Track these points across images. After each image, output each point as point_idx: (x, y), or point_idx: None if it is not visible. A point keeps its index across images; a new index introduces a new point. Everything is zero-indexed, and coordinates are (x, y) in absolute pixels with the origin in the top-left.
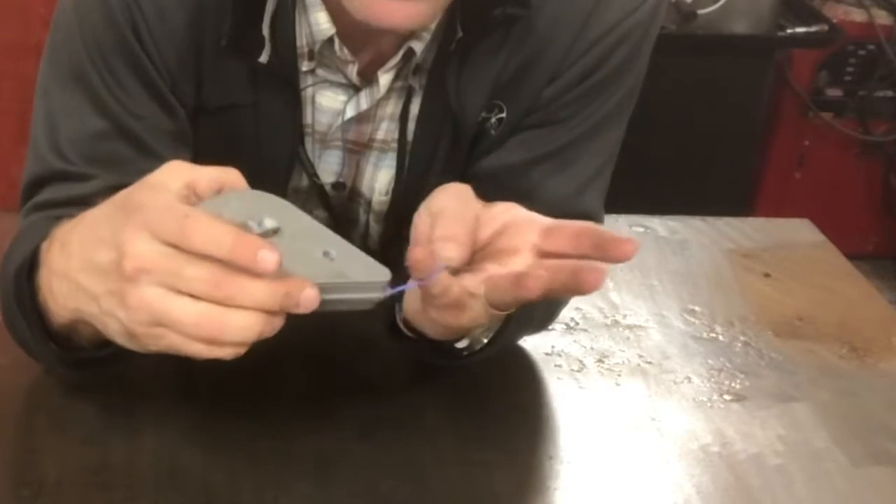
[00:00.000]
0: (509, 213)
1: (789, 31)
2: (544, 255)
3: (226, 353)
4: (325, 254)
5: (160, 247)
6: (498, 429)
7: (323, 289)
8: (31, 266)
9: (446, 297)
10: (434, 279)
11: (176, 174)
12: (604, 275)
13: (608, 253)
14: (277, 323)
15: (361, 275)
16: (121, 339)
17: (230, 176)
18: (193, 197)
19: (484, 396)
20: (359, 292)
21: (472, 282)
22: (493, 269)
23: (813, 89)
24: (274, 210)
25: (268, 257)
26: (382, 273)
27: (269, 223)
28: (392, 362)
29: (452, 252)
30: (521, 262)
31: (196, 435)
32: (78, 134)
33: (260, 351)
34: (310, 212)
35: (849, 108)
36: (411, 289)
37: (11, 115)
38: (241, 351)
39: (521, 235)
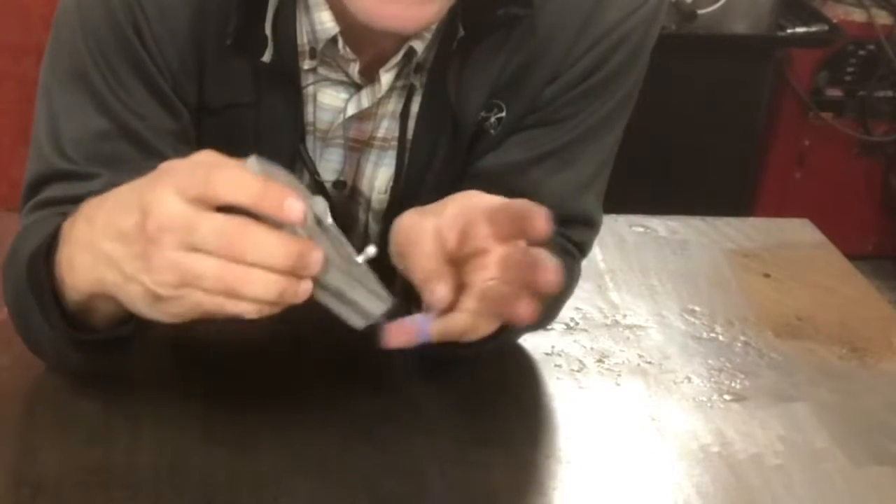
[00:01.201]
0: (458, 211)
1: (789, 31)
2: (503, 239)
3: (248, 308)
4: (350, 255)
5: (183, 205)
6: (498, 429)
7: (340, 275)
8: (48, 248)
9: (457, 335)
10: (428, 331)
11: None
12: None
13: (529, 229)
14: (294, 285)
15: (372, 285)
16: (143, 305)
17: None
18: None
19: (484, 396)
20: (364, 298)
21: (469, 302)
22: (475, 279)
23: (813, 89)
24: (321, 201)
25: (294, 206)
26: (387, 297)
27: (321, 206)
28: (392, 362)
29: (439, 293)
30: (491, 259)
31: (196, 434)
32: (80, 133)
33: (260, 351)
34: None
35: (849, 108)
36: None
37: (11, 115)
38: (265, 310)
39: (478, 234)
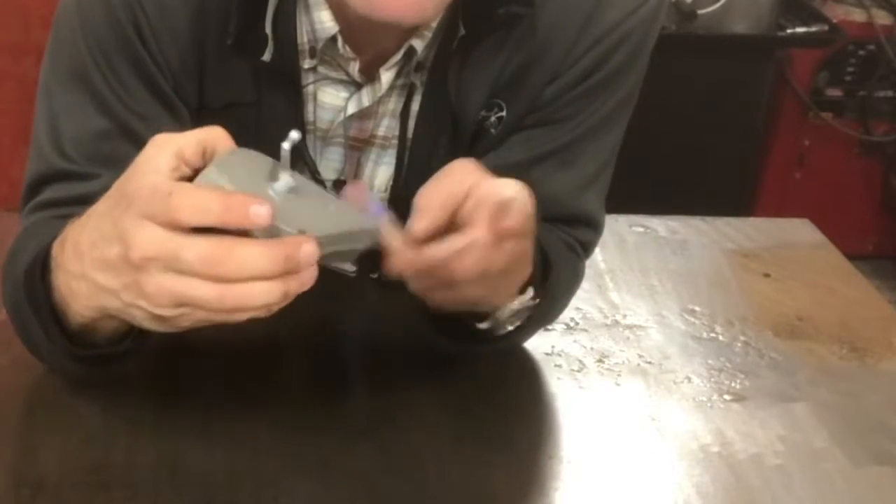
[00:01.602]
0: (491, 188)
1: (789, 31)
2: (500, 233)
3: (259, 314)
4: (326, 207)
5: (160, 232)
6: (498, 429)
7: (333, 241)
8: (43, 266)
9: (408, 267)
10: (374, 213)
11: (162, 149)
12: None
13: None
14: (296, 281)
15: (359, 223)
16: (150, 325)
17: (214, 134)
18: (184, 167)
19: (484, 396)
20: (359, 243)
21: (437, 251)
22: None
23: (813, 89)
24: (276, 169)
25: (260, 211)
26: (373, 221)
27: (286, 179)
28: (392, 362)
29: (419, 223)
30: (469, 234)
31: (196, 435)
32: (80, 133)
33: (260, 351)
34: None
35: (849, 108)
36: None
37: (11, 115)
38: (276, 308)
39: (480, 210)
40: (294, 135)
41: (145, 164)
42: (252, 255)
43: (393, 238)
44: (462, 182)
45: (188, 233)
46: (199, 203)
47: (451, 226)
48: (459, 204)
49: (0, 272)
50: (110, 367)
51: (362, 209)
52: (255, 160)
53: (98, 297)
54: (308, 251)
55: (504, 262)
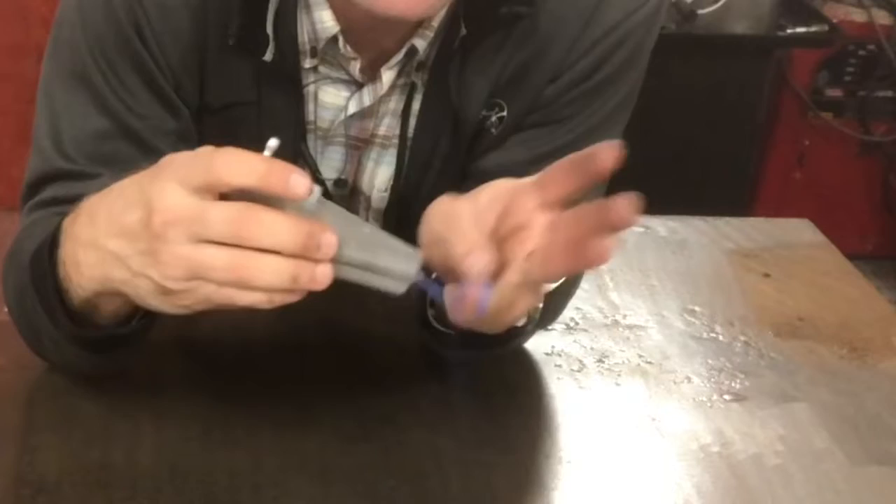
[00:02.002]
0: (498, 193)
1: (789, 31)
2: (551, 206)
3: (260, 298)
4: (361, 225)
5: (187, 197)
6: (498, 429)
7: (361, 246)
8: (52, 243)
9: (504, 300)
10: (487, 300)
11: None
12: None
13: (593, 169)
14: (309, 270)
15: (395, 245)
16: (152, 299)
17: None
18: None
19: (484, 396)
20: (393, 262)
21: (512, 275)
22: (518, 252)
23: (813, 89)
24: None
25: (300, 182)
26: (413, 252)
27: (316, 192)
28: (392, 362)
29: (483, 260)
30: (536, 230)
31: (196, 435)
32: (81, 133)
33: (260, 351)
34: None
35: (849, 108)
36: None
37: (11, 115)
38: (276, 299)
39: (523, 207)
40: (272, 143)
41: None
42: (276, 222)
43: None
44: (464, 214)
45: (216, 199)
46: (243, 161)
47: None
48: (484, 227)
49: (0, 270)
50: (114, 353)
51: (474, 310)
52: None
53: (105, 265)
54: (329, 240)
55: None
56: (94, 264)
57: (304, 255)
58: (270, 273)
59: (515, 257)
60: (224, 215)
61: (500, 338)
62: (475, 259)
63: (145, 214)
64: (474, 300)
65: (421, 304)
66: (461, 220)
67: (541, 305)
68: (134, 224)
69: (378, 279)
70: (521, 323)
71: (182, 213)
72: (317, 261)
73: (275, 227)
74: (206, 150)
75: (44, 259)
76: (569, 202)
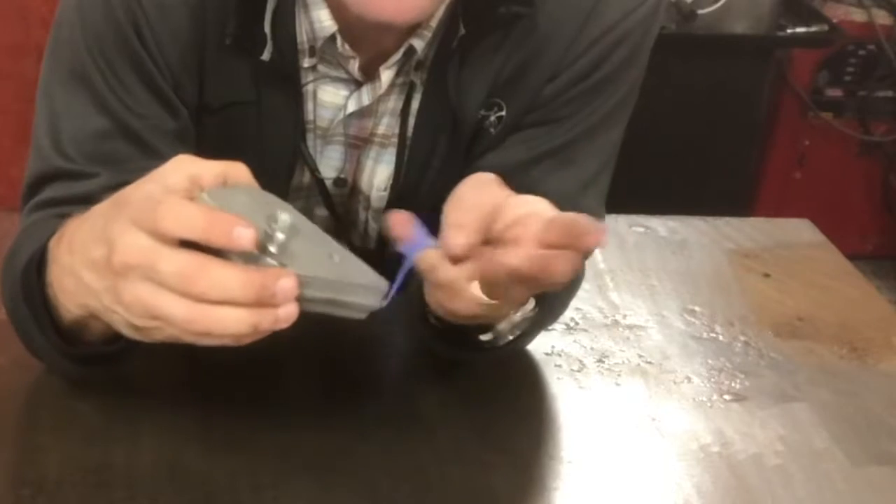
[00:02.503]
0: (527, 207)
1: (789, 31)
2: (546, 246)
3: (226, 342)
4: (330, 256)
5: (146, 240)
6: (498, 429)
7: (323, 286)
8: (40, 261)
9: (434, 276)
10: (418, 252)
11: (179, 168)
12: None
13: (577, 245)
14: (269, 316)
15: (361, 278)
16: (127, 332)
17: (236, 170)
18: (197, 191)
19: (484, 396)
20: (357, 297)
21: (467, 270)
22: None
23: (813, 89)
24: (282, 209)
25: (243, 233)
26: (381, 282)
27: (285, 218)
28: (392, 362)
29: (456, 239)
30: (519, 252)
31: (196, 435)
32: (80, 133)
33: (260, 351)
34: (311, 210)
35: (849, 108)
36: (398, 284)
37: (11, 115)
38: (246, 340)
39: (527, 228)
40: (283, 217)
41: (157, 176)
42: (226, 277)
43: (438, 262)
44: (491, 197)
45: (174, 246)
46: (184, 214)
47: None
48: (491, 221)
49: (0, 269)
50: (105, 367)
51: (406, 239)
52: (256, 196)
53: (83, 294)
54: (286, 286)
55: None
56: (74, 292)
57: (259, 305)
58: (229, 323)
59: (503, 261)
60: (173, 268)
61: (488, 344)
62: (452, 234)
63: (107, 252)
64: (409, 238)
65: (419, 300)
66: (476, 202)
67: (512, 322)
68: (99, 260)
69: (341, 310)
70: (487, 337)
71: (138, 256)
72: (275, 305)
73: (225, 282)
74: (156, 195)
75: (32, 276)
76: None
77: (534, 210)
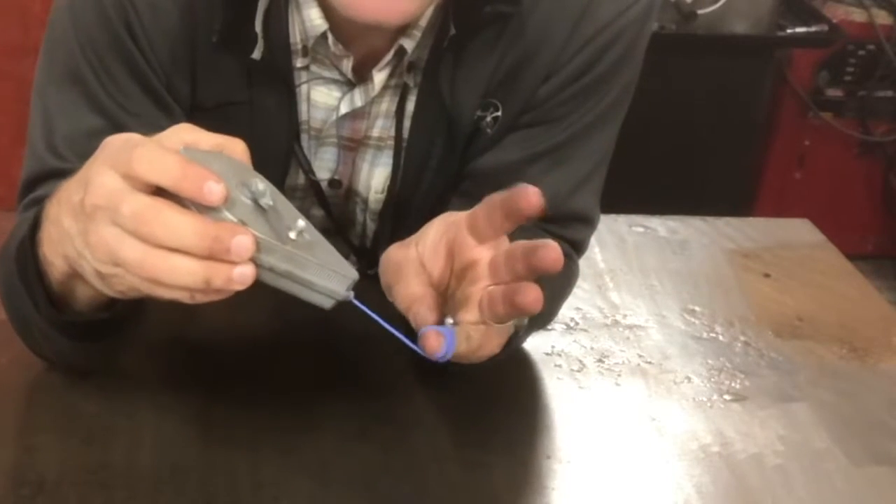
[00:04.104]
0: (439, 233)
1: (789, 31)
2: (491, 242)
3: (179, 295)
4: (300, 234)
5: (117, 182)
6: (497, 428)
7: (284, 257)
8: (33, 226)
9: (473, 339)
10: (452, 343)
11: (177, 133)
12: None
13: (514, 210)
14: (223, 272)
15: (328, 261)
16: (94, 281)
17: (233, 145)
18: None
19: (483, 396)
20: (320, 278)
21: (469, 314)
22: (472, 291)
23: (813, 89)
24: (259, 180)
25: (214, 188)
26: (350, 271)
27: (261, 186)
28: (392, 362)
29: (421, 315)
30: (483, 267)
31: (196, 435)
32: (73, 132)
33: (260, 351)
34: (308, 211)
35: (849, 108)
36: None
37: (11, 115)
38: (198, 297)
39: (466, 246)
40: (300, 223)
41: (153, 138)
42: (180, 223)
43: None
44: (410, 259)
45: (143, 191)
46: (159, 160)
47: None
48: (428, 274)
49: None
50: (99, 342)
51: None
52: (235, 165)
53: (62, 242)
54: (242, 243)
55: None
56: (57, 241)
57: (212, 257)
58: (180, 274)
59: (470, 296)
60: (132, 208)
61: None
62: (414, 313)
63: (83, 194)
64: (436, 345)
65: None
66: (407, 270)
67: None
68: (76, 203)
69: (302, 290)
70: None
71: (106, 197)
72: (234, 263)
73: (178, 228)
74: (135, 139)
75: (26, 240)
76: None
77: (448, 233)
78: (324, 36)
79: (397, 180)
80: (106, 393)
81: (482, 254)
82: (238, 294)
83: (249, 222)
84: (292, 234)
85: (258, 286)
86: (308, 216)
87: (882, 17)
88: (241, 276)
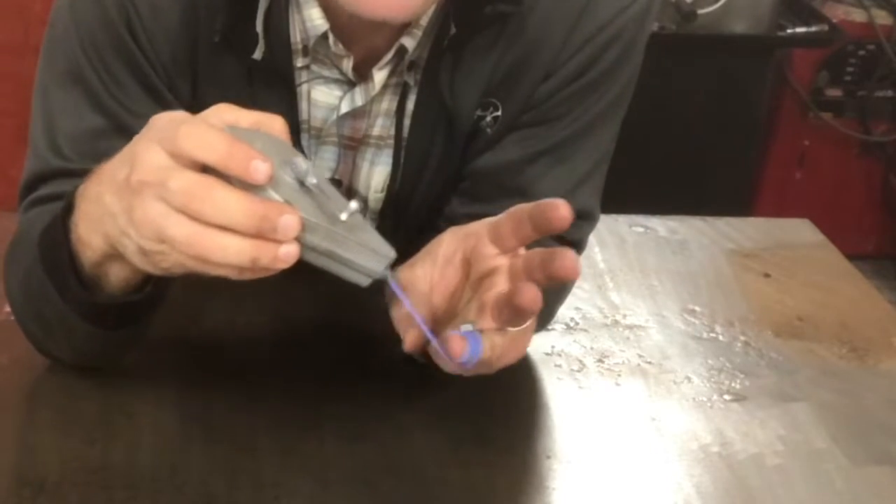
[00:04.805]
0: (453, 246)
1: (789, 31)
2: (510, 251)
3: (227, 272)
4: (339, 211)
5: (164, 159)
6: (498, 429)
7: (326, 236)
8: (66, 208)
9: (496, 346)
10: (478, 349)
11: (218, 113)
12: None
13: (543, 222)
14: (269, 251)
15: (368, 240)
16: (136, 259)
17: (271, 122)
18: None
19: (483, 396)
20: (359, 257)
21: (488, 321)
22: (489, 297)
23: (813, 89)
24: (302, 160)
25: (260, 167)
26: (389, 251)
27: (303, 165)
28: (392, 363)
29: (408, 340)
30: (501, 275)
31: (196, 434)
32: (76, 131)
33: (260, 351)
34: None
35: (849, 108)
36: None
37: (11, 115)
38: (246, 275)
39: (484, 255)
40: (353, 205)
41: (196, 117)
42: (230, 200)
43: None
44: (425, 279)
45: (191, 168)
46: (205, 137)
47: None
48: (430, 296)
49: (2, 265)
50: (123, 330)
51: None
52: (278, 143)
53: (103, 220)
54: (289, 223)
55: None
56: (97, 220)
57: (259, 236)
58: (229, 252)
59: (488, 303)
60: (180, 185)
61: None
62: (404, 339)
63: (129, 171)
64: (459, 348)
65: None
66: (420, 288)
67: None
68: (121, 180)
69: (342, 269)
70: None
71: (154, 173)
72: (279, 241)
73: (228, 206)
74: (180, 116)
75: (57, 226)
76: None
77: (467, 244)
78: (324, 36)
79: (397, 179)
80: (106, 393)
81: (501, 261)
82: (238, 294)
83: (293, 201)
84: (343, 216)
85: (259, 286)
86: None
87: (882, 17)
88: (287, 255)
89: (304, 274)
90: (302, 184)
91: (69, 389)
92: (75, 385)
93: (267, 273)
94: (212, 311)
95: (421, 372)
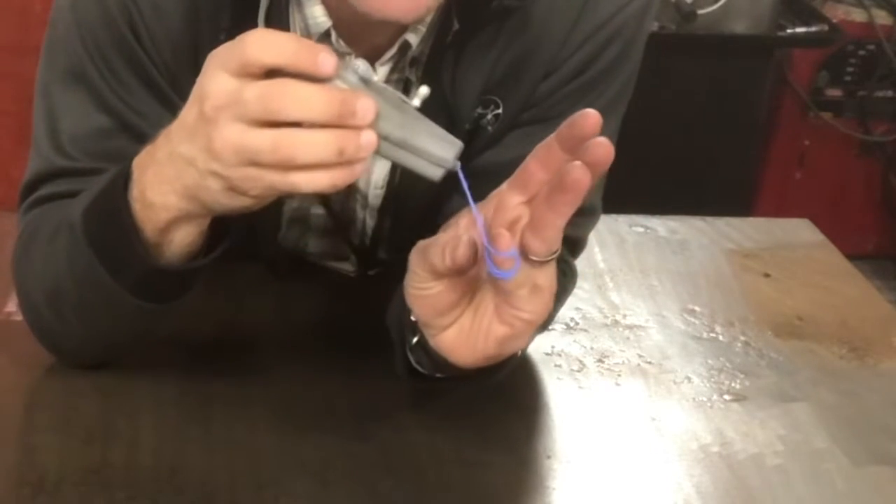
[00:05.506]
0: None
1: (789, 31)
2: (535, 189)
3: (316, 178)
4: (403, 102)
5: (231, 81)
6: (497, 428)
7: (398, 124)
8: (125, 179)
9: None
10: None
11: (257, 35)
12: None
13: (575, 132)
14: (353, 139)
15: (435, 128)
16: (224, 199)
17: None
18: None
19: (483, 396)
20: (431, 145)
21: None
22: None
23: (813, 89)
24: (361, 61)
25: (328, 59)
26: (455, 141)
27: (362, 66)
28: (392, 363)
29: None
30: (525, 220)
31: (196, 435)
32: (80, 131)
33: (260, 351)
34: (307, 208)
35: (849, 108)
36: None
37: (11, 115)
38: (337, 178)
39: (510, 205)
40: (423, 90)
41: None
42: (308, 91)
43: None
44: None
45: (260, 79)
46: (272, 40)
47: None
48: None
49: (14, 264)
50: (174, 299)
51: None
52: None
53: (180, 174)
54: (367, 104)
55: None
56: (173, 177)
57: (340, 122)
58: (314, 147)
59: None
60: (256, 92)
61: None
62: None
63: (200, 105)
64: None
65: (402, 350)
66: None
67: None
68: (193, 119)
69: (415, 160)
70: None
71: (225, 96)
72: (359, 129)
73: (306, 97)
74: (237, 38)
75: (110, 199)
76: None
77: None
78: (327, 33)
79: (396, 175)
80: (106, 393)
81: (523, 210)
82: (238, 294)
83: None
84: (416, 102)
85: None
86: (309, 213)
87: (882, 17)
88: (368, 142)
89: (304, 274)
90: (366, 83)
91: (69, 389)
92: (75, 385)
93: (352, 174)
94: (212, 311)
95: (423, 383)
